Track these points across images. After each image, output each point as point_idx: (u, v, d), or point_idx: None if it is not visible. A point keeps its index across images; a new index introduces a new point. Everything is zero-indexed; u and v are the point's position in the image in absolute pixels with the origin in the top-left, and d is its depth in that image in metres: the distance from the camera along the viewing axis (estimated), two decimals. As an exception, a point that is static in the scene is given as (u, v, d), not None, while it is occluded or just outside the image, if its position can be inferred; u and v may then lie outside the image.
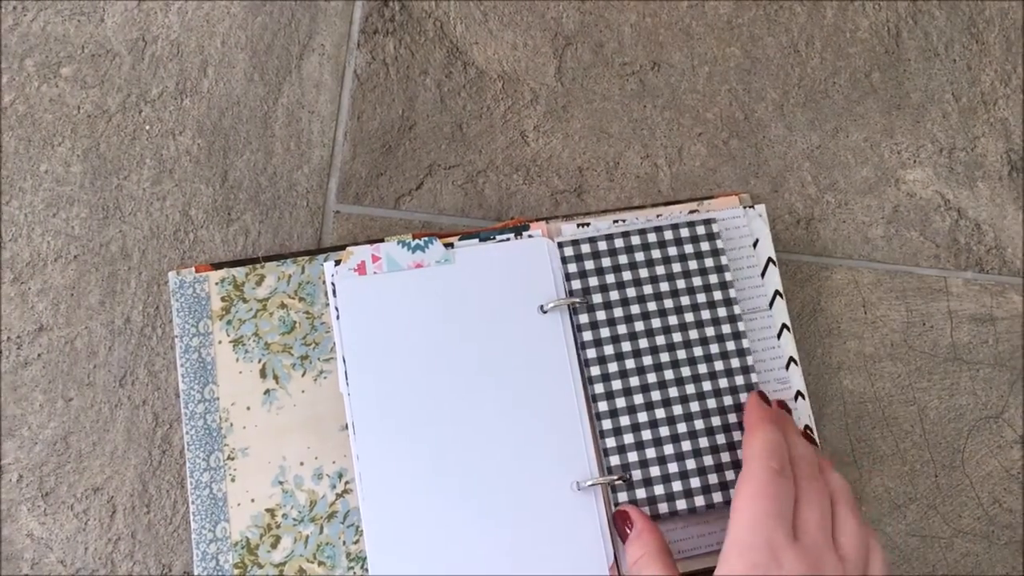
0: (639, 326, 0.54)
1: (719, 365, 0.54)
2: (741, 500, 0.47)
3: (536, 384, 0.53)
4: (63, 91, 0.59)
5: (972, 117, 0.64)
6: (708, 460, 0.53)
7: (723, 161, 0.62)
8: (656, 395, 0.53)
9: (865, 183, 0.63)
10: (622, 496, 0.52)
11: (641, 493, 0.52)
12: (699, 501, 0.52)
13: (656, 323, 0.54)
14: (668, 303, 0.55)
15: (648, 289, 0.55)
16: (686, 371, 0.54)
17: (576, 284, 0.55)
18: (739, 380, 0.54)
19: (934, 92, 0.65)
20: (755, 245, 0.57)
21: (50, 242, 0.57)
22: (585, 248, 0.55)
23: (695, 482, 0.52)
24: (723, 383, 0.54)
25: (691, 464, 0.53)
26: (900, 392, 0.60)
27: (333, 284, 0.54)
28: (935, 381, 0.60)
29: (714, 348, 0.54)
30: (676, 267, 0.55)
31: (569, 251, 0.55)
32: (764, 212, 0.58)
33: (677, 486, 0.52)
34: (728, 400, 0.53)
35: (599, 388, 0.53)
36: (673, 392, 0.54)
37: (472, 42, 0.62)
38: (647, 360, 0.54)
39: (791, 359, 0.56)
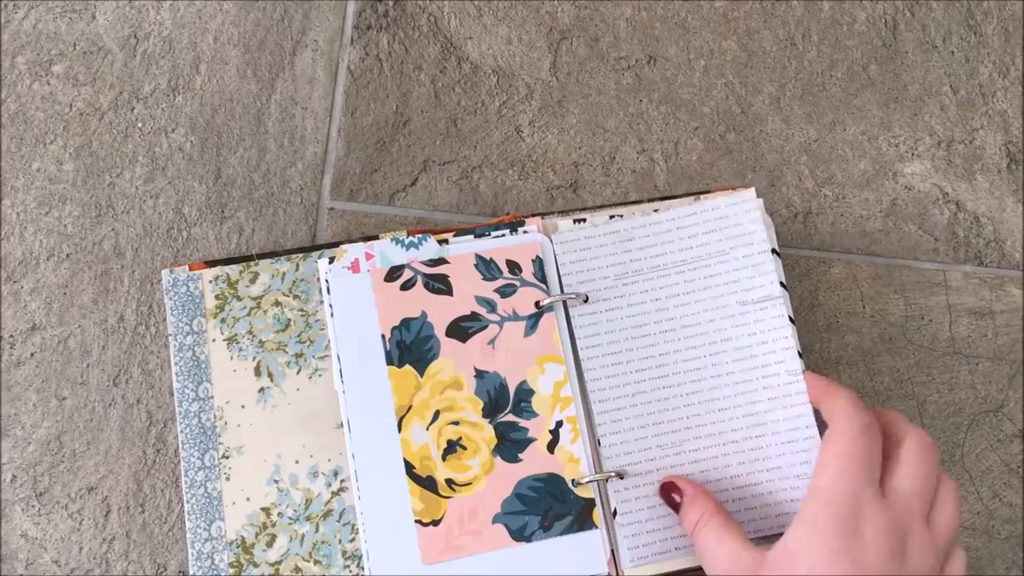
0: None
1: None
2: (827, 454, 0.45)
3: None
4: (55, 89, 0.59)
5: (970, 109, 0.64)
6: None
7: (720, 155, 0.62)
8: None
9: (863, 176, 0.62)
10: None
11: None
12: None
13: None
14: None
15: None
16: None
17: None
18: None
19: (932, 85, 0.64)
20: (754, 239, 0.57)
21: (42, 240, 0.57)
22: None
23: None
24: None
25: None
26: (899, 386, 0.59)
27: (327, 282, 0.53)
28: (934, 375, 0.60)
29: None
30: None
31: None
32: (762, 206, 0.57)
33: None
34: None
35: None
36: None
37: (466, 37, 0.62)
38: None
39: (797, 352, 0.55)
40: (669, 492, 0.51)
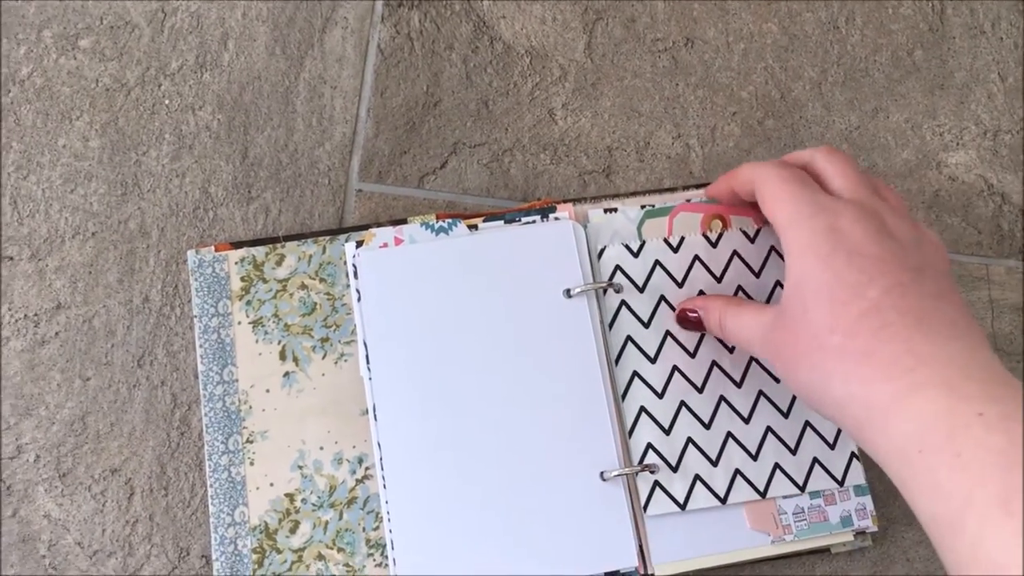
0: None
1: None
2: (774, 205, 0.45)
3: (561, 370, 0.52)
4: (81, 64, 0.58)
5: (1019, 98, 0.62)
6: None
7: (758, 142, 0.60)
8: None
9: (905, 166, 0.60)
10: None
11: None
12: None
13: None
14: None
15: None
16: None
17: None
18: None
19: (979, 71, 0.62)
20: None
21: (68, 218, 0.56)
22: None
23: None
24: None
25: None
26: (937, 383, 0.58)
27: (355, 266, 0.52)
28: (974, 372, 0.58)
29: None
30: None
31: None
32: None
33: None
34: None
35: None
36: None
37: (499, 16, 0.60)
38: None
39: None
40: (686, 315, 0.51)
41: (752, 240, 0.54)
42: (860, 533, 0.53)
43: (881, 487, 0.55)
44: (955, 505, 0.35)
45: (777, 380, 0.53)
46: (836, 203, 0.43)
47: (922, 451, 0.37)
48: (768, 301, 0.53)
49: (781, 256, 0.54)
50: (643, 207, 0.55)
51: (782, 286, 0.53)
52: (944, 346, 0.39)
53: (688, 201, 0.55)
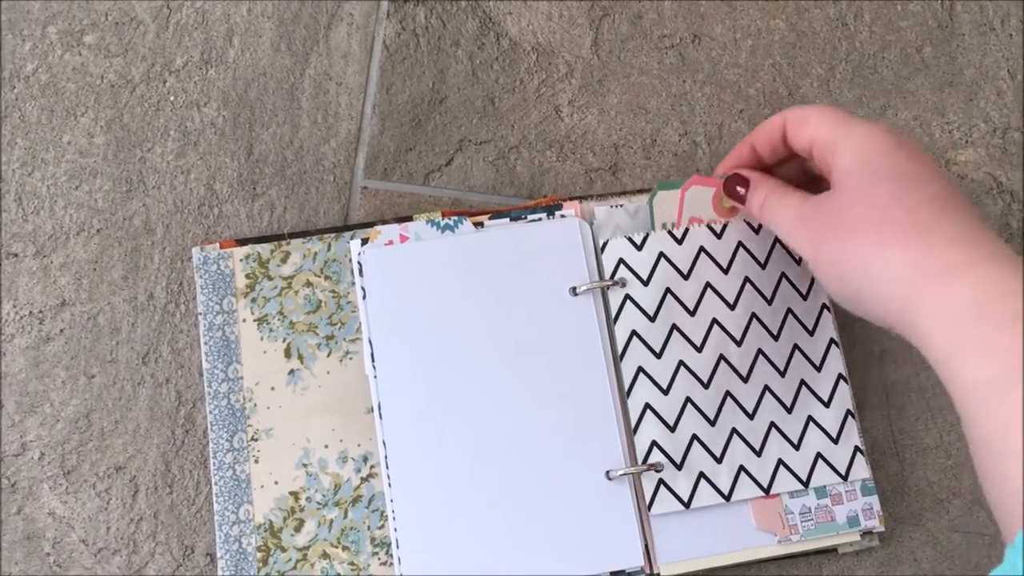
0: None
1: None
2: (818, 117, 0.45)
3: (567, 369, 0.52)
4: (86, 60, 0.58)
5: (1028, 95, 0.61)
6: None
7: (765, 139, 0.60)
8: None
9: (914, 164, 0.60)
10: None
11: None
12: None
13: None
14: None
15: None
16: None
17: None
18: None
19: (989, 69, 0.62)
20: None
21: (73, 215, 0.56)
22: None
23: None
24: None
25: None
26: (946, 383, 0.57)
27: (360, 263, 0.52)
28: (982, 372, 0.58)
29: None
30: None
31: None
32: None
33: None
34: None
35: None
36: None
37: (506, 12, 0.60)
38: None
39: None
40: (734, 187, 0.50)
41: (757, 231, 0.54)
42: (867, 533, 0.52)
43: (888, 487, 0.55)
44: (1007, 365, 0.36)
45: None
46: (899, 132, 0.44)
47: (979, 316, 0.37)
48: (775, 294, 0.53)
49: (785, 247, 0.54)
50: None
51: (788, 278, 0.53)
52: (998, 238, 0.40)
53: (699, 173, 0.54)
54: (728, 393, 0.52)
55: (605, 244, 0.53)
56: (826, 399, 0.53)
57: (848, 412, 0.53)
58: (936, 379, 0.56)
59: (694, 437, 0.51)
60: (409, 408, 0.51)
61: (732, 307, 0.53)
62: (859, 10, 0.62)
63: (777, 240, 0.54)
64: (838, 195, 0.43)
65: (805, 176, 0.51)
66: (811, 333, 0.53)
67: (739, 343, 0.53)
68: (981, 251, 0.39)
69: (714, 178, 0.53)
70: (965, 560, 0.55)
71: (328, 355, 0.53)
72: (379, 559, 0.51)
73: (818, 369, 0.53)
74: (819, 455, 0.52)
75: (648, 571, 0.50)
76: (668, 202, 0.53)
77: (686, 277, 0.53)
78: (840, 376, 0.53)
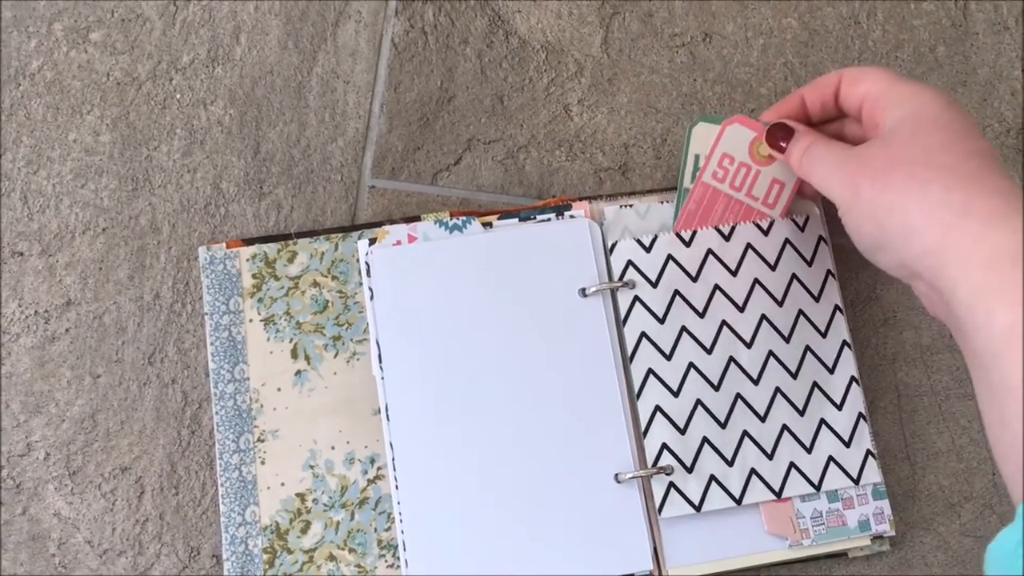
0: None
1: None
2: (873, 75, 0.47)
3: (576, 370, 0.51)
4: (92, 57, 0.57)
5: (1043, 95, 0.61)
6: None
7: (776, 139, 0.59)
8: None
9: (926, 164, 0.59)
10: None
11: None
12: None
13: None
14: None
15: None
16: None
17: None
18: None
19: (1003, 68, 0.61)
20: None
21: (78, 214, 0.55)
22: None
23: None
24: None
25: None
26: (958, 386, 0.57)
27: (367, 264, 0.52)
28: (995, 375, 0.57)
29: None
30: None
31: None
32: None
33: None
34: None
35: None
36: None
37: (515, 10, 0.59)
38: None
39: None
40: (777, 139, 0.50)
41: (766, 233, 0.53)
42: (878, 537, 0.52)
43: (899, 491, 0.54)
44: None
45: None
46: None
47: (1018, 259, 0.37)
48: (785, 296, 0.53)
49: (796, 249, 0.53)
50: (662, 203, 0.54)
51: (799, 280, 0.53)
52: None
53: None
54: (739, 395, 0.52)
55: (614, 246, 0.53)
56: (839, 402, 0.52)
57: (860, 415, 0.52)
58: (948, 383, 0.56)
59: (705, 440, 0.51)
60: (417, 410, 0.51)
61: (741, 309, 0.52)
62: (872, 9, 0.61)
63: (788, 241, 0.53)
64: (886, 142, 0.44)
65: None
66: (823, 335, 0.53)
67: (749, 345, 0.52)
68: (1022, 203, 0.39)
69: (758, 123, 0.52)
70: (976, 565, 0.55)
71: (335, 356, 0.53)
72: (386, 561, 0.50)
73: (831, 371, 0.52)
74: (831, 458, 0.51)
75: (657, 574, 0.50)
76: (705, 135, 0.53)
77: (695, 279, 0.53)
78: (853, 378, 0.53)
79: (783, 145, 0.49)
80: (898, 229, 0.41)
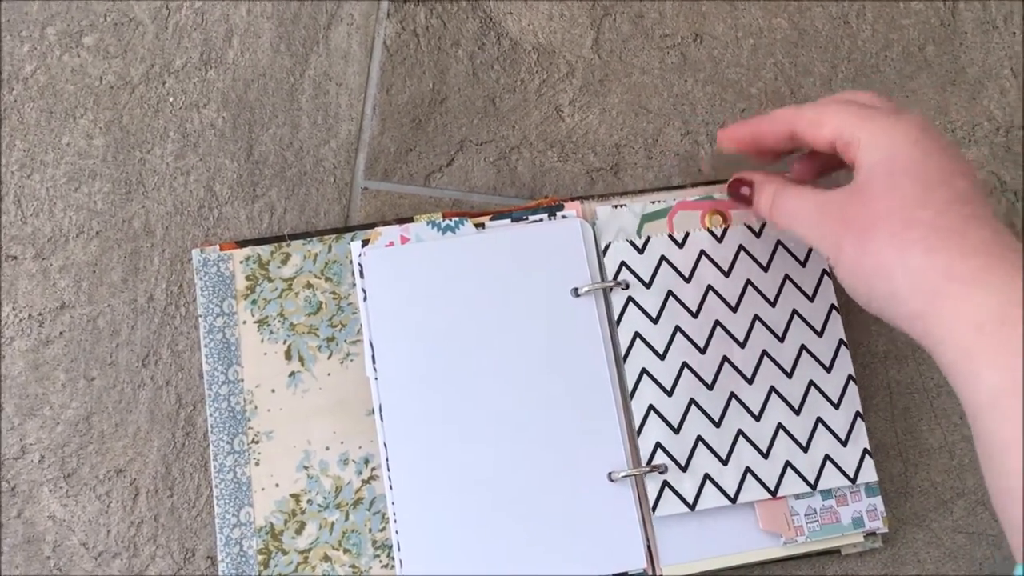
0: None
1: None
2: (834, 109, 0.45)
3: (569, 370, 0.52)
4: (85, 61, 0.58)
5: (1032, 94, 0.61)
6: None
7: (767, 138, 0.59)
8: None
9: (917, 163, 0.60)
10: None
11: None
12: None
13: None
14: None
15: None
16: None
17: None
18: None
19: (992, 67, 0.61)
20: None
21: (72, 217, 0.56)
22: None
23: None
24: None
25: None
26: (950, 384, 0.57)
27: (361, 265, 0.52)
28: (986, 372, 0.57)
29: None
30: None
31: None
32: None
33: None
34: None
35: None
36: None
37: (506, 12, 0.60)
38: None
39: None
40: (738, 189, 0.49)
41: (758, 235, 0.54)
42: (871, 534, 0.52)
43: (892, 488, 0.54)
44: None
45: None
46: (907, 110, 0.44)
47: (1002, 323, 0.37)
48: (778, 296, 0.53)
49: (788, 250, 0.54)
50: (652, 203, 0.54)
51: (792, 280, 0.53)
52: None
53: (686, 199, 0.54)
54: (733, 395, 0.52)
55: (607, 248, 0.53)
56: (836, 401, 0.52)
57: (857, 414, 0.52)
58: (940, 380, 0.56)
59: (699, 439, 0.51)
60: (410, 410, 0.51)
61: (734, 309, 0.53)
62: (861, 8, 0.62)
63: (779, 243, 0.54)
64: (862, 192, 0.42)
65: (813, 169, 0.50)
66: (819, 334, 0.53)
67: (743, 345, 0.52)
68: (1006, 259, 0.39)
69: (699, 201, 0.53)
70: (969, 561, 0.55)
71: (329, 357, 0.53)
72: (380, 561, 0.51)
73: (828, 370, 0.53)
74: (827, 457, 0.51)
75: (651, 573, 0.50)
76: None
77: (688, 280, 0.53)
78: (850, 377, 0.53)
79: (747, 194, 0.49)
80: (884, 292, 0.41)
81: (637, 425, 0.51)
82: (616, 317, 0.52)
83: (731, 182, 0.50)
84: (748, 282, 0.53)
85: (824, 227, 0.44)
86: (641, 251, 0.53)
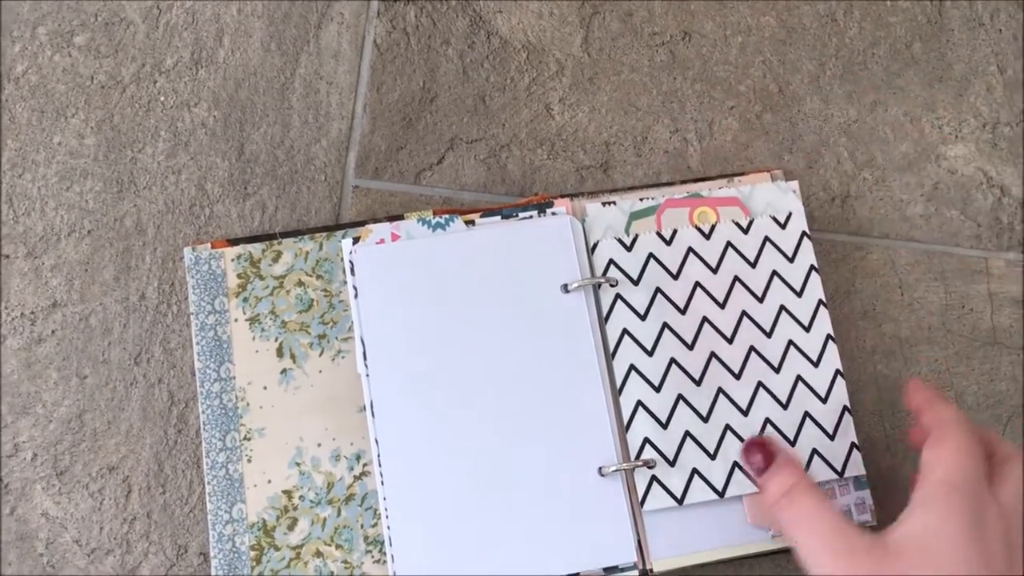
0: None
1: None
2: (944, 450, 0.42)
3: (559, 366, 0.52)
4: (76, 61, 0.58)
5: (1018, 90, 0.62)
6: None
7: (756, 136, 0.60)
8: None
9: (904, 159, 0.60)
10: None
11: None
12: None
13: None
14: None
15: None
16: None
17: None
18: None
19: (978, 64, 0.62)
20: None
21: (64, 216, 0.56)
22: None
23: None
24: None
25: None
26: (937, 377, 0.58)
27: (351, 262, 0.52)
28: (974, 366, 0.58)
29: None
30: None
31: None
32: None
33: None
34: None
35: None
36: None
37: (496, 11, 0.60)
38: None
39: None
40: (753, 454, 0.46)
41: (746, 231, 0.54)
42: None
43: (880, 482, 0.55)
44: None
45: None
46: (993, 506, 0.42)
47: None
48: (766, 292, 0.53)
49: (776, 246, 0.54)
50: (642, 200, 0.54)
51: (780, 276, 0.53)
52: None
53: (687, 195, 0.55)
54: (721, 390, 0.52)
55: (595, 246, 0.53)
56: (823, 395, 0.53)
57: (845, 408, 0.53)
58: (928, 375, 0.57)
59: (687, 434, 0.51)
60: (401, 406, 0.51)
61: (722, 306, 0.53)
62: (849, 6, 0.62)
63: (767, 239, 0.54)
64: (887, 553, 0.41)
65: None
66: (807, 329, 0.53)
67: (731, 340, 0.53)
68: None
69: (686, 199, 0.54)
70: (957, 554, 0.55)
71: (320, 354, 0.53)
72: (372, 557, 0.51)
73: (815, 365, 0.53)
74: (815, 451, 0.52)
75: (641, 567, 0.50)
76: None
77: (676, 277, 0.53)
78: (837, 372, 0.53)
79: (758, 464, 0.46)
80: None
81: (626, 420, 0.51)
82: (604, 314, 0.53)
83: (747, 444, 0.47)
84: (736, 278, 0.54)
85: (828, 554, 0.42)
86: (629, 248, 0.53)
